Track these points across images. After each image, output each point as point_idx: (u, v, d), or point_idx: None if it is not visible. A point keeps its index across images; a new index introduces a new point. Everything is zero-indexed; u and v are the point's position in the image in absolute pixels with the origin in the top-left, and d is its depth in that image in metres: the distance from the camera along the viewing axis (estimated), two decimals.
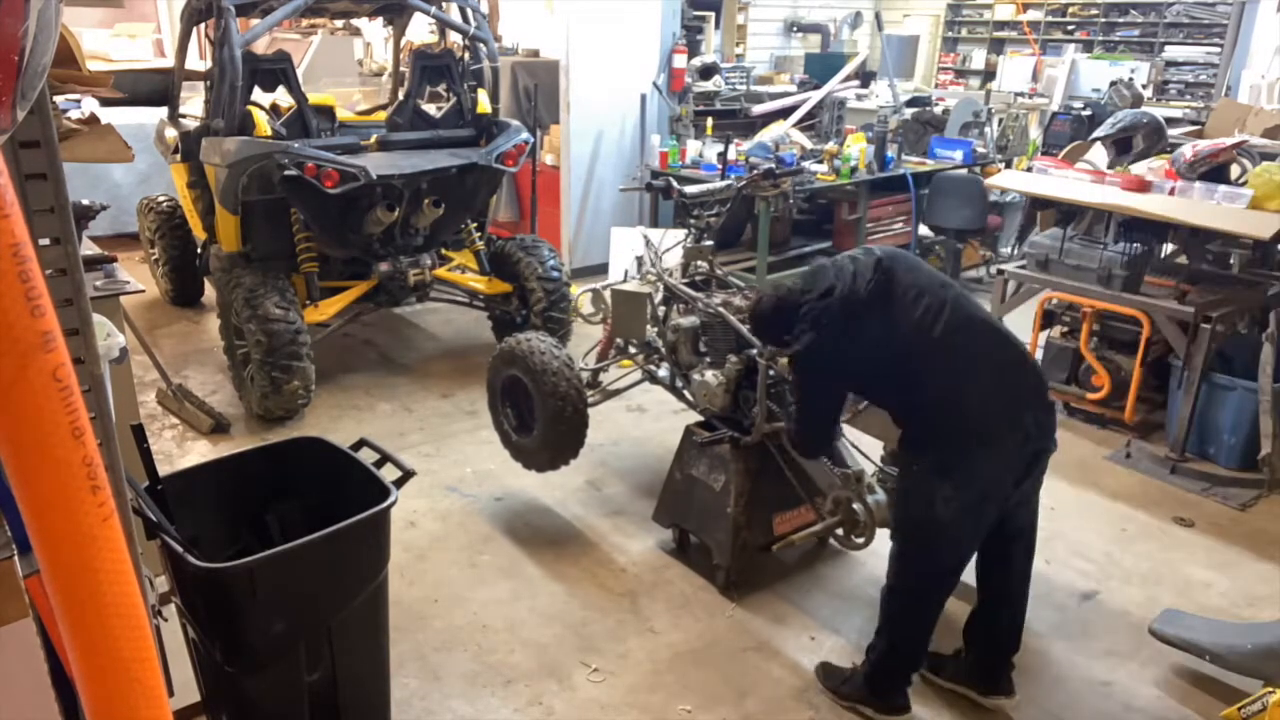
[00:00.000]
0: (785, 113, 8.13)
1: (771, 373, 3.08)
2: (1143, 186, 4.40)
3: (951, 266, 7.05)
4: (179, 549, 2.02)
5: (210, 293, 5.75)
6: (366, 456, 2.43)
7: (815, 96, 8.06)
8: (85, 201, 3.46)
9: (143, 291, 3.21)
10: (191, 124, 5.02)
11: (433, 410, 4.80)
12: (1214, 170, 4.42)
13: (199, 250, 5.59)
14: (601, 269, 6.90)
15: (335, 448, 2.47)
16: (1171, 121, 6.47)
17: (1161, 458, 4.34)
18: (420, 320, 6.17)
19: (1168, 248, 4.79)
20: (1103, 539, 3.75)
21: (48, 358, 0.69)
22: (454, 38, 5.52)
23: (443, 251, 5.41)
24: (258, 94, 4.71)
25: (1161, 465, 4.29)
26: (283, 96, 4.98)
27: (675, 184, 3.74)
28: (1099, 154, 5.25)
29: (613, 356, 3.92)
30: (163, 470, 2.24)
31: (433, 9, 5.17)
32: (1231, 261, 4.48)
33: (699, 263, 3.68)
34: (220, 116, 4.49)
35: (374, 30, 9.56)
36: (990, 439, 2.42)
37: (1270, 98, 7.79)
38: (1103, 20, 12.86)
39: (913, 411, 2.51)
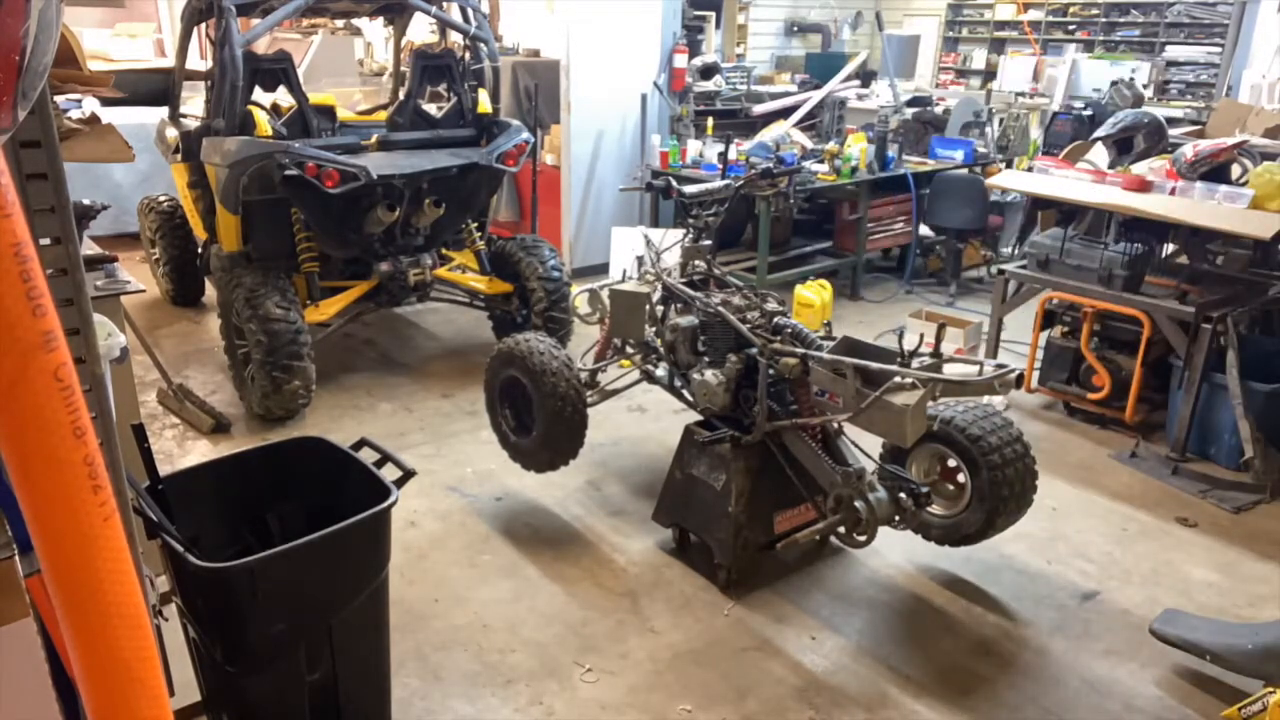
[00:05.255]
0: (786, 113, 8.14)
1: (771, 371, 3.09)
2: (1144, 186, 4.40)
3: (952, 266, 7.06)
4: (179, 549, 2.02)
5: (211, 292, 5.75)
6: (367, 456, 2.43)
7: (816, 96, 8.07)
8: (86, 201, 3.46)
9: (143, 291, 3.22)
10: (192, 124, 5.02)
11: (433, 410, 4.80)
12: (1215, 170, 4.42)
13: (199, 250, 5.59)
14: (602, 269, 6.91)
15: (336, 448, 2.47)
16: (1172, 121, 6.47)
17: (1162, 458, 4.34)
18: (421, 320, 6.17)
19: (1168, 248, 4.79)
20: (1103, 539, 3.74)
21: (49, 357, 0.70)
22: (454, 38, 5.52)
23: (443, 251, 5.41)
24: (258, 94, 4.71)
25: (1163, 465, 4.29)
26: (283, 96, 4.98)
27: (675, 184, 3.73)
28: (1100, 154, 5.24)
29: (610, 356, 3.93)
30: (163, 470, 2.25)
31: (433, 9, 5.17)
32: (1219, 260, 4.46)
33: (697, 262, 3.68)
34: (221, 116, 4.50)
35: (374, 30, 9.57)
36: None
37: (1271, 98, 7.79)
38: (1103, 20, 12.86)
39: None
